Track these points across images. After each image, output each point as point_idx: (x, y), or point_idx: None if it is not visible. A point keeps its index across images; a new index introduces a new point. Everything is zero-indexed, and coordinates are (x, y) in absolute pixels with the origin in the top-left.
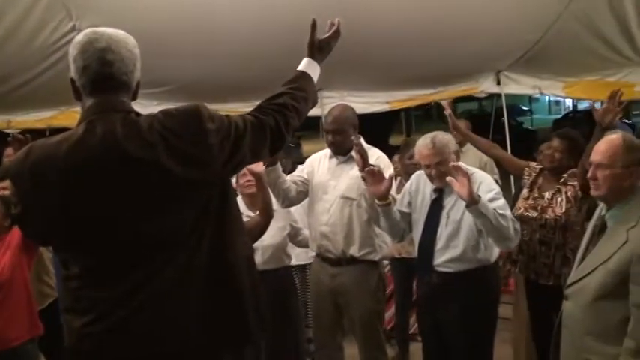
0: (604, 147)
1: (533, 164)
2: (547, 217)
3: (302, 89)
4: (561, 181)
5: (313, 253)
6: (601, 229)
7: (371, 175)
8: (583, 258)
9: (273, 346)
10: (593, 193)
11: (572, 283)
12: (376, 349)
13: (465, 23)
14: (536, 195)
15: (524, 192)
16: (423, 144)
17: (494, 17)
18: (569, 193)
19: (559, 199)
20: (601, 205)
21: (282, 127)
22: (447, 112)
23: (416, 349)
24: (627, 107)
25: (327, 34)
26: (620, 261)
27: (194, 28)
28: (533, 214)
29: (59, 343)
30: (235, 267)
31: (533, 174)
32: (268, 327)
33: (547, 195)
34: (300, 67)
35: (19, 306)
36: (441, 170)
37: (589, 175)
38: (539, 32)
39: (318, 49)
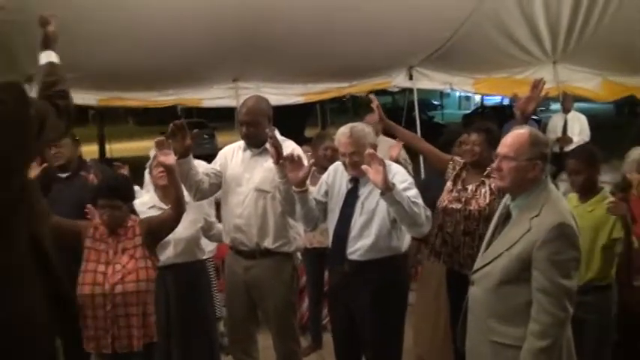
0: (511, 140)
1: (457, 158)
2: (471, 208)
3: (63, 76)
4: (485, 173)
5: (212, 247)
6: (506, 217)
7: (290, 161)
8: (489, 245)
9: (187, 341)
10: (497, 183)
11: (478, 269)
12: (290, 340)
13: (380, 19)
14: (460, 187)
15: (448, 185)
16: (342, 132)
17: (408, 14)
18: (492, 185)
19: (483, 191)
20: (507, 195)
21: (70, 109)
22: (375, 104)
23: (329, 339)
24: None
25: (52, 29)
26: (524, 248)
27: (106, 14)
28: (457, 205)
29: None
30: (48, 253)
31: (458, 167)
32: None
33: (471, 187)
34: (46, 60)
35: None
36: (354, 160)
37: (494, 165)
38: (451, 30)
39: (53, 41)
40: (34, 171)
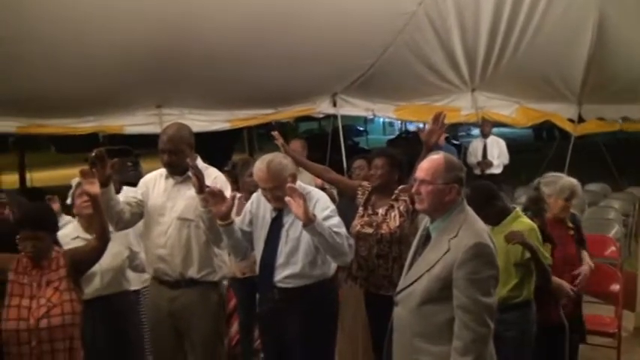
0: (427, 165)
1: (365, 183)
2: (382, 231)
3: None
4: (393, 196)
5: (146, 277)
6: (426, 239)
7: (212, 195)
8: (411, 266)
9: None
10: (417, 206)
11: (401, 290)
12: None
13: (304, 47)
14: (371, 212)
15: (360, 210)
16: (259, 167)
17: (331, 41)
18: (401, 208)
19: (392, 214)
20: (426, 218)
21: None
22: (279, 142)
23: None
24: (455, 129)
25: None
26: (444, 268)
27: (25, 39)
28: (369, 230)
29: None
30: None
31: (367, 192)
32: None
33: (381, 211)
34: None
35: None
36: (276, 194)
37: (413, 189)
38: (373, 57)
39: None
40: None
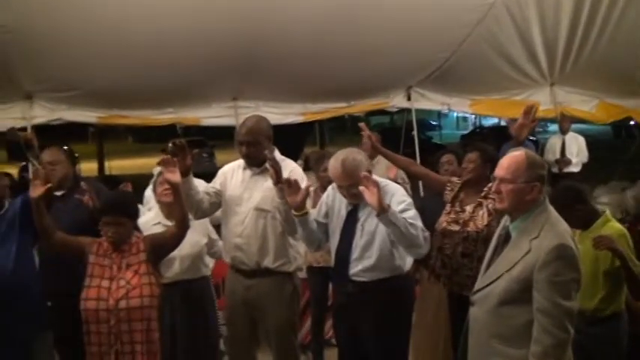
0: (507, 163)
1: (454, 179)
2: (469, 230)
3: None
4: (482, 194)
5: (211, 265)
6: (505, 239)
7: (288, 185)
8: (489, 266)
9: (189, 354)
10: (497, 205)
11: (478, 290)
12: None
13: (378, 40)
14: (458, 209)
15: (447, 207)
16: (333, 165)
17: (406, 34)
18: (490, 206)
19: (480, 212)
20: (506, 217)
21: None
22: (366, 134)
23: (331, 354)
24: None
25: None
26: (524, 269)
27: (106, 33)
28: (456, 227)
29: None
30: None
31: (455, 189)
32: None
33: (469, 208)
34: None
35: None
36: (352, 191)
37: (493, 188)
38: (449, 51)
39: None
40: (39, 190)
